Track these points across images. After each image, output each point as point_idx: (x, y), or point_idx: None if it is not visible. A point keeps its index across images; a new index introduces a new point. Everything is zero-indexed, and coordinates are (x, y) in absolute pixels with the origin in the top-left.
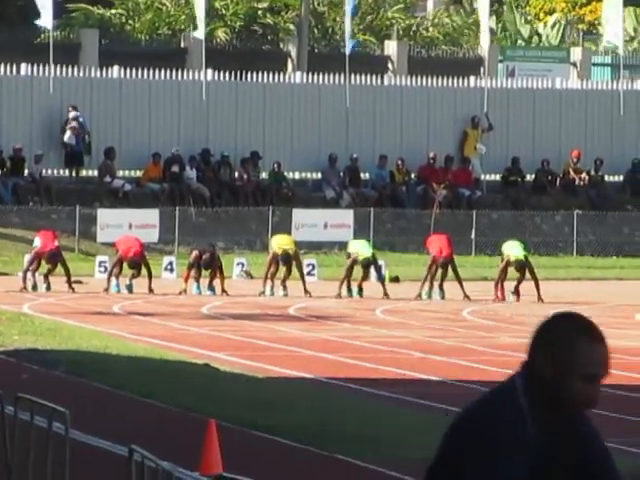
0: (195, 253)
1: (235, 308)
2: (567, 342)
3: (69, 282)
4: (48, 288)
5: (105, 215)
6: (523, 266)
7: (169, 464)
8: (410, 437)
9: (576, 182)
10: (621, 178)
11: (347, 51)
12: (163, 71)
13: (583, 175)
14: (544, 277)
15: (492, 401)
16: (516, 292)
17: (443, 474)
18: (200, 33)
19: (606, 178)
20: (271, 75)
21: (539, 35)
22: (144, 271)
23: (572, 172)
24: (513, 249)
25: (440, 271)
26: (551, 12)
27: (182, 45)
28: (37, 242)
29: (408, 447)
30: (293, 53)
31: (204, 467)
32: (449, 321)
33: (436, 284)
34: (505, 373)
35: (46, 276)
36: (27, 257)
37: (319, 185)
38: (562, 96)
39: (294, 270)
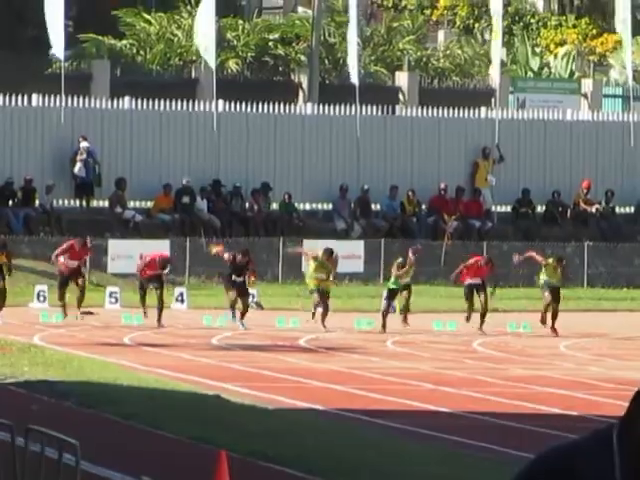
0: (228, 256)
1: (245, 339)
2: None
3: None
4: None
5: (116, 246)
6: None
7: None
8: (418, 469)
9: (587, 213)
10: (632, 209)
11: (355, 80)
12: (174, 102)
13: (594, 206)
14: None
15: (583, 443)
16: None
17: None
18: (211, 63)
19: (617, 209)
20: (282, 106)
21: (549, 67)
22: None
23: (583, 203)
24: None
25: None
26: (562, 44)
27: (193, 76)
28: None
29: (416, 479)
30: (304, 84)
31: None
32: (459, 352)
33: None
34: (516, 405)
35: (63, 306)
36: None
37: (330, 216)
38: (573, 127)
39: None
